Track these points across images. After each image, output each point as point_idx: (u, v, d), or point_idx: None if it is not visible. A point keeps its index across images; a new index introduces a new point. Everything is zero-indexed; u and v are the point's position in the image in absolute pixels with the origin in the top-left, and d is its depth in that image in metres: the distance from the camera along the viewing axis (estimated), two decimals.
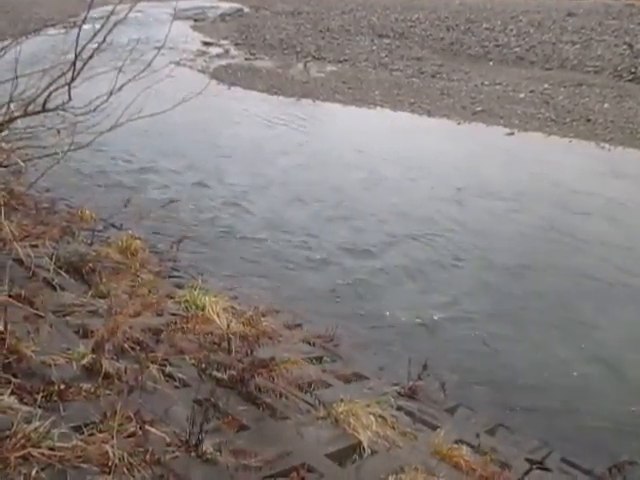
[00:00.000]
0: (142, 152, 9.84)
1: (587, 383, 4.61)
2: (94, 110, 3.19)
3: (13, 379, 2.20)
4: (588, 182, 9.33)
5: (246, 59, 21.63)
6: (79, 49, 3.04)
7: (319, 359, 3.89)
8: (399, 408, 3.36)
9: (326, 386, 3.34)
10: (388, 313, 5.35)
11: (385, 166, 9.65)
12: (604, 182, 9.36)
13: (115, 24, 3.17)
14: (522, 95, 14.79)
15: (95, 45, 3.29)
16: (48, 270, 3.60)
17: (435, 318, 5.34)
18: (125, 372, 2.45)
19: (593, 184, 9.23)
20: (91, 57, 3.03)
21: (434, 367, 3.97)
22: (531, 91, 15.06)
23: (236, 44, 25.72)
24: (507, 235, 7.33)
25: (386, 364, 4.43)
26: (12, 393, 2.10)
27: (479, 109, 13.63)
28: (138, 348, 2.74)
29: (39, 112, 3.14)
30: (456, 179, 9.17)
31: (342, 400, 2.93)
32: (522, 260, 6.67)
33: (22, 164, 3.52)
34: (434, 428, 3.35)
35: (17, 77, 3.26)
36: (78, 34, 3.03)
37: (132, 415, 2.11)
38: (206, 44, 25.55)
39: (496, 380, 4.57)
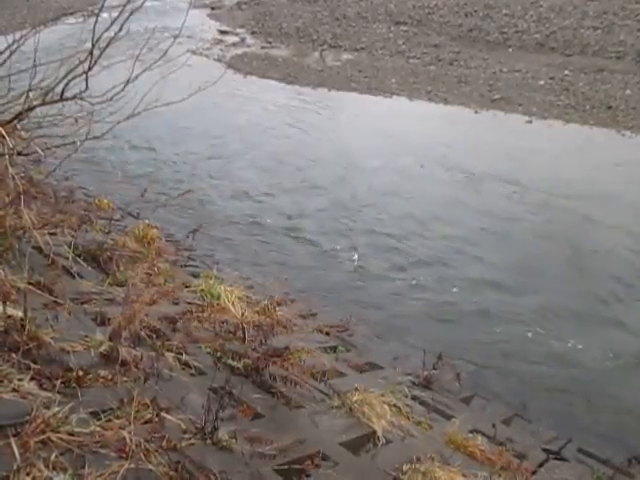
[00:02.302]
0: (158, 139, 9.90)
1: (606, 376, 4.57)
2: (111, 99, 3.21)
3: (33, 365, 2.24)
4: (608, 170, 9.17)
5: (262, 47, 21.54)
6: (96, 38, 3.05)
7: (333, 348, 3.90)
8: (414, 398, 3.36)
9: (340, 375, 3.35)
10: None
11: (400, 156, 9.58)
12: (625, 170, 9.20)
13: (132, 12, 3.17)
14: (541, 82, 14.53)
15: (112, 34, 3.31)
16: (67, 258, 3.65)
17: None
18: (141, 359, 2.48)
19: (613, 172, 9.07)
20: (107, 46, 3.04)
21: (449, 356, 3.97)
22: (551, 78, 14.79)
23: (252, 32, 25.62)
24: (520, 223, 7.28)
25: (401, 354, 4.43)
26: (32, 379, 2.14)
27: (497, 97, 13.42)
28: (154, 336, 2.77)
29: (57, 101, 3.16)
30: (472, 167, 9.07)
31: (356, 389, 2.94)
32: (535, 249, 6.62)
33: (41, 153, 3.55)
34: (449, 418, 3.35)
35: (36, 66, 3.28)
36: (95, 23, 3.04)
37: (149, 402, 2.14)
38: (222, 32, 25.49)
39: (513, 369, 4.56)
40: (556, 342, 4.92)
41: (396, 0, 28.83)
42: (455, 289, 5.69)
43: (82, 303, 3.11)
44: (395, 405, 2.93)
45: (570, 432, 3.87)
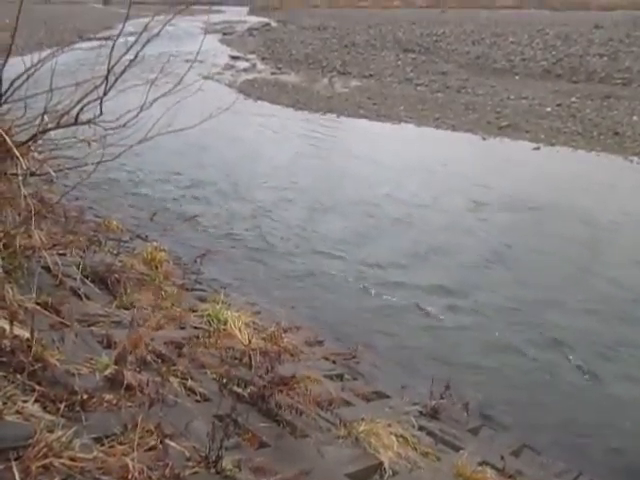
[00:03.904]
0: (169, 164, 10.01)
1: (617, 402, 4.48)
2: (124, 125, 3.25)
3: (37, 387, 2.22)
4: (615, 196, 9.15)
5: (272, 73, 21.90)
6: (112, 64, 3.10)
7: (340, 376, 3.85)
8: (421, 428, 3.30)
9: (347, 404, 3.30)
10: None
11: (407, 182, 9.60)
12: (632, 196, 9.18)
13: (148, 40, 3.23)
14: (548, 109, 14.65)
15: (127, 59, 3.36)
16: (75, 279, 3.65)
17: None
18: (147, 384, 2.46)
19: (620, 199, 9.05)
20: (123, 73, 3.09)
21: (457, 386, 3.92)
22: (558, 105, 14.91)
23: (263, 58, 26.10)
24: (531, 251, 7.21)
25: (408, 382, 4.37)
26: (36, 401, 2.13)
27: (504, 124, 13.52)
28: (160, 361, 2.75)
29: (71, 125, 3.21)
30: (478, 194, 9.06)
31: (363, 419, 2.89)
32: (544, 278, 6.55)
33: (53, 174, 3.59)
34: (457, 449, 3.28)
35: (52, 90, 3.34)
36: (112, 49, 3.10)
37: (153, 428, 2.11)
38: (234, 58, 26.00)
39: (520, 399, 4.48)
40: (567, 371, 4.84)
41: (404, 28, 29.37)
42: (464, 317, 5.64)
43: (89, 325, 3.10)
44: (402, 436, 2.88)
45: (581, 465, 3.79)
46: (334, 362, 4.17)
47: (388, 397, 3.84)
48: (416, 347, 5.06)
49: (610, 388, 4.65)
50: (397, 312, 5.60)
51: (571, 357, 4.98)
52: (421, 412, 3.62)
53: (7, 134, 3.03)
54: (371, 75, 20.86)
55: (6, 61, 3.11)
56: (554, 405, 4.45)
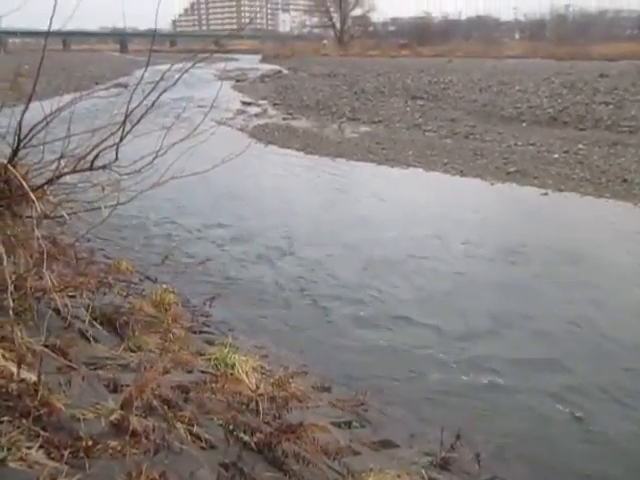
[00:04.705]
0: (180, 208, 10.16)
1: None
2: (139, 171, 3.33)
3: (42, 432, 2.20)
4: (624, 244, 9.10)
5: (283, 119, 22.40)
6: (128, 111, 3.20)
7: (348, 424, 3.77)
8: None
9: (355, 454, 3.23)
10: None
11: (415, 227, 9.63)
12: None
13: (165, 90, 3.34)
14: (556, 155, 14.78)
15: (142, 106, 3.47)
16: (83, 321, 3.66)
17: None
18: (153, 430, 2.42)
19: (630, 246, 8.99)
20: (139, 121, 3.18)
21: (468, 435, 3.82)
22: (565, 151, 15.05)
23: (274, 104, 26.76)
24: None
25: (417, 430, 4.27)
26: (40, 447, 2.10)
27: (512, 169, 13.63)
28: (166, 406, 2.72)
29: (86, 170, 3.29)
30: (488, 239, 9.05)
31: (371, 470, 2.82)
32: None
33: (67, 217, 3.65)
34: None
35: (70, 136, 3.44)
36: (130, 99, 3.21)
37: (157, 477, 2.08)
38: (246, 104, 26.69)
39: (535, 451, 4.34)
40: (587, 422, 4.69)
41: (412, 76, 30.11)
42: (472, 361, 5.54)
43: (96, 368, 3.09)
44: None
45: None
46: (342, 409, 4.10)
47: (397, 446, 3.75)
48: (426, 393, 4.96)
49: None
50: (408, 358, 5.52)
51: (591, 409, 4.81)
52: (431, 462, 3.53)
53: (24, 178, 3.11)
54: (380, 121, 21.26)
55: (26, 108, 3.23)
56: (570, 457, 4.31)
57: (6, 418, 2.15)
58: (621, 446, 4.41)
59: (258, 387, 3.26)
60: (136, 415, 2.50)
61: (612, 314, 6.57)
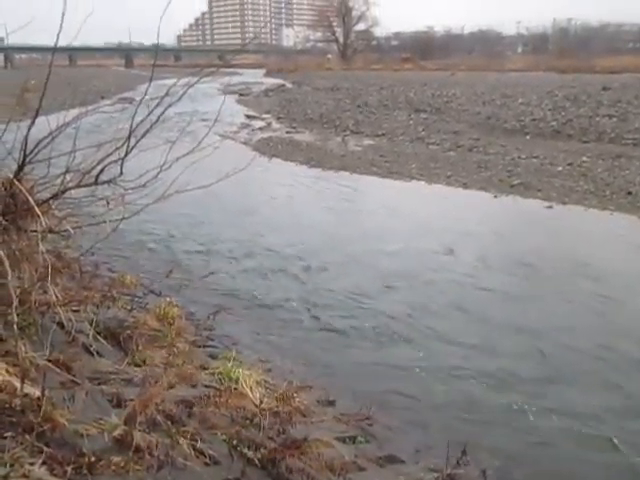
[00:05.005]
0: (184, 221, 10.19)
1: None
2: (144, 185, 3.34)
3: (45, 448, 2.19)
4: (630, 257, 9.05)
5: (287, 132, 22.52)
6: (133, 126, 3.22)
7: (353, 439, 3.74)
8: None
9: (360, 470, 3.19)
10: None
11: (418, 239, 9.61)
12: None
13: (170, 105, 3.37)
14: (560, 168, 14.77)
15: (147, 120, 3.50)
16: (87, 335, 3.66)
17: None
18: (156, 446, 2.41)
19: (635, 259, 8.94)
20: (144, 136, 3.20)
21: (474, 450, 3.77)
22: (569, 164, 15.04)
23: (278, 118, 26.94)
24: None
25: (423, 446, 4.22)
26: (43, 463, 2.09)
27: (516, 182, 13.62)
28: (170, 421, 2.70)
29: (91, 184, 3.31)
30: (499, 253, 8.99)
31: None
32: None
33: (72, 231, 3.67)
34: None
35: (75, 150, 3.46)
36: (135, 112, 3.23)
37: None
38: (249, 117, 26.87)
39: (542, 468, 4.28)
40: (599, 439, 4.61)
41: (416, 89, 30.30)
42: (480, 377, 5.49)
43: (99, 383, 3.08)
44: None
45: None
46: (347, 423, 4.06)
47: (402, 462, 3.71)
48: (432, 407, 4.91)
49: None
50: (415, 372, 5.48)
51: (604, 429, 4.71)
52: (437, 479, 3.49)
53: (29, 193, 3.13)
54: (383, 134, 21.35)
55: (32, 124, 3.25)
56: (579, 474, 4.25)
57: (9, 434, 2.14)
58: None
59: (262, 402, 3.24)
60: (139, 430, 2.49)
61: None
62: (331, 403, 4.41)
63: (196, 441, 2.61)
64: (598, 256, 8.86)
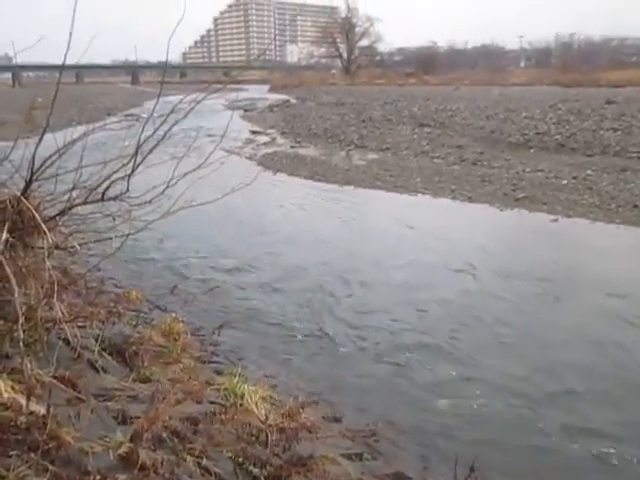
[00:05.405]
0: (190, 236, 10.22)
1: None
2: (150, 202, 3.36)
3: (50, 467, 2.18)
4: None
5: (291, 147, 22.65)
6: (139, 143, 3.25)
7: (359, 456, 3.70)
8: None
9: None
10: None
11: (425, 254, 9.59)
12: None
13: (176, 122, 3.40)
14: (565, 181, 14.75)
15: (152, 136, 3.53)
16: (93, 352, 3.66)
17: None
18: (161, 464, 2.39)
19: None
20: (150, 152, 3.23)
21: (482, 467, 3.72)
22: (574, 177, 15.02)
23: (282, 133, 27.11)
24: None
25: (430, 463, 4.18)
26: None
27: (521, 196, 13.61)
28: (175, 438, 2.69)
29: (98, 201, 3.33)
30: (513, 268, 8.90)
31: None
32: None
33: (78, 247, 3.69)
34: None
35: (82, 167, 3.49)
36: (142, 129, 3.26)
37: None
38: (254, 132, 27.05)
39: None
40: (610, 455, 4.53)
41: (419, 104, 30.44)
42: (487, 393, 5.44)
43: (105, 400, 3.07)
44: None
45: None
46: (353, 440, 4.02)
47: (409, 479, 3.67)
48: (439, 423, 4.86)
49: None
50: (421, 388, 5.43)
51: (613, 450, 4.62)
52: None
53: (36, 210, 3.14)
54: (388, 148, 21.42)
55: (39, 142, 3.29)
56: None
57: (15, 452, 2.13)
58: None
59: (268, 418, 3.22)
60: (145, 448, 2.47)
61: None
62: (337, 419, 4.37)
63: (202, 458, 2.60)
64: (620, 270, 8.70)
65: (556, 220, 11.83)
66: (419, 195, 14.37)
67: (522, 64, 64.65)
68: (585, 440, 4.66)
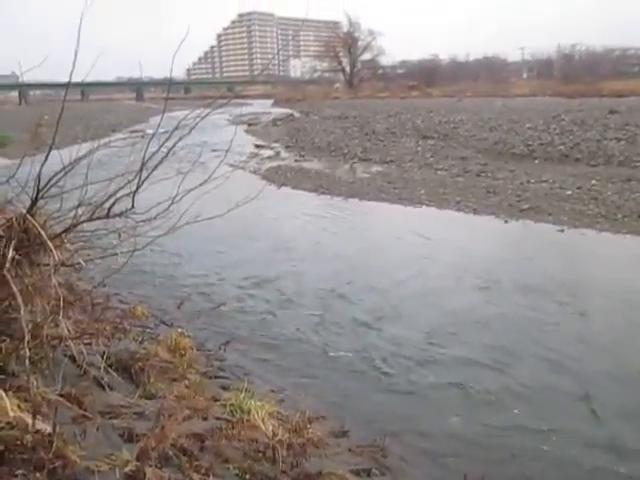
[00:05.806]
0: (194, 250, 10.24)
1: None
2: (155, 218, 3.37)
3: None
4: None
5: (296, 161, 22.73)
6: (144, 160, 3.27)
7: (367, 472, 3.66)
8: None
9: None
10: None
11: (430, 266, 9.55)
12: None
13: (180, 138, 3.42)
14: (569, 192, 14.71)
15: (157, 153, 3.54)
16: (99, 368, 3.65)
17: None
18: None
19: None
20: (155, 169, 3.24)
21: None
22: (578, 188, 14.98)
23: (286, 146, 27.23)
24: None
25: (439, 478, 4.12)
26: None
27: (526, 206, 13.58)
28: (182, 455, 2.66)
29: (103, 218, 3.34)
30: (516, 278, 8.86)
31: None
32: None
33: (84, 264, 3.69)
34: None
35: (87, 184, 3.51)
36: (146, 148, 3.28)
37: None
38: (258, 147, 27.18)
39: None
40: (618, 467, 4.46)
41: (423, 116, 30.51)
42: (495, 405, 5.39)
43: (111, 417, 3.05)
44: None
45: None
46: (361, 455, 3.98)
47: None
48: (448, 437, 4.80)
49: None
50: (429, 401, 5.38)
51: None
52: None
53: (42, 227, 3.16)
54: (392, 161, 21.46)
55: (45, 160, 3.31)
56: None
57: (21, 471, 2.12)
58: None
59: (275, 434, 3.19)
60: (151, 466, 2.45)
61: None
62: (345, 434, 4.33)
63: (208, 476, 2.57)
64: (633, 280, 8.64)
65: (562, 231, 11.77)
66: (424, 207, 14.36)
67: (524, 75, 64.84)
68: None
